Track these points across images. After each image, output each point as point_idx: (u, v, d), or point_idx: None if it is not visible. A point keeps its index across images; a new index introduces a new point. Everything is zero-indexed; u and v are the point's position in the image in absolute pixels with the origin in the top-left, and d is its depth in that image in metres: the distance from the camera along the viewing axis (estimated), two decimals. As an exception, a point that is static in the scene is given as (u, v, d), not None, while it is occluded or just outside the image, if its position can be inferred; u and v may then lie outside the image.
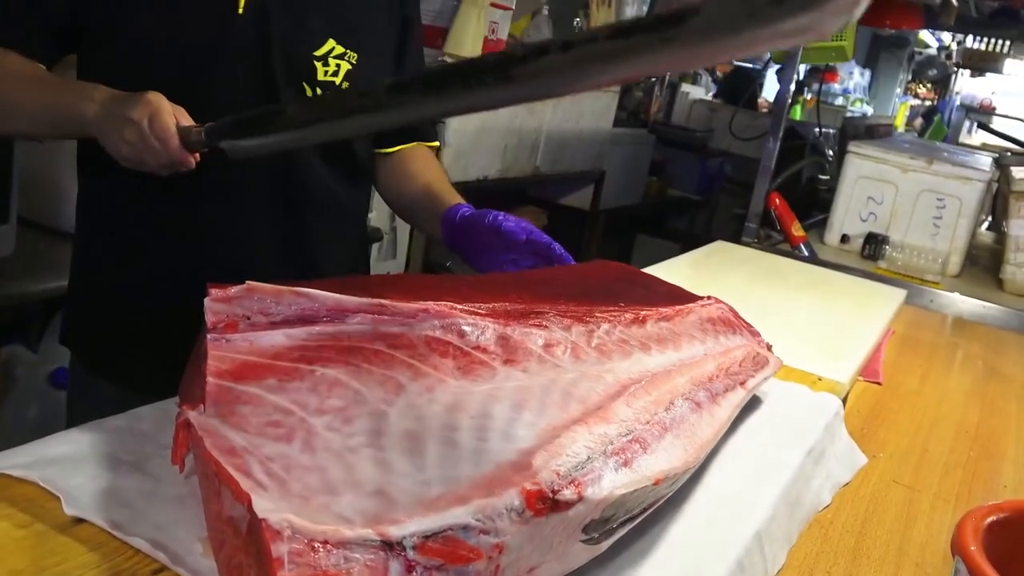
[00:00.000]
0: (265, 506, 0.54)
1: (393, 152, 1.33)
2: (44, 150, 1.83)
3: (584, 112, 3.55)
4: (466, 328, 0.82)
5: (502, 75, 0.72)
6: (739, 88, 5.03)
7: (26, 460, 0.72)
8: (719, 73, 5.80)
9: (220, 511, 0.59)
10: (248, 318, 0.77)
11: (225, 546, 0.59)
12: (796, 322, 1.57)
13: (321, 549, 0.53)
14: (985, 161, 3.00)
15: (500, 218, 1.14)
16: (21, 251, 1.80)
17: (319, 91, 1.16)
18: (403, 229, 2.76)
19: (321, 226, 1.23)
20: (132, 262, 1.18)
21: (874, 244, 2.70)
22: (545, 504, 0.61)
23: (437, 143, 1.39)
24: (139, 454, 0.77)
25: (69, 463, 0.73)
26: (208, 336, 0.74)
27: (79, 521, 0.67)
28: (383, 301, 0.81)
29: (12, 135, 1.17)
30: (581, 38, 0.67)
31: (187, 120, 1.00)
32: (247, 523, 0.56)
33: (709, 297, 1.13)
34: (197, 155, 1.02)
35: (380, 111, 0.87)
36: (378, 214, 2.63)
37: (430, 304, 0.82)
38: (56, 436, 0.77)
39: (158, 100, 0.99)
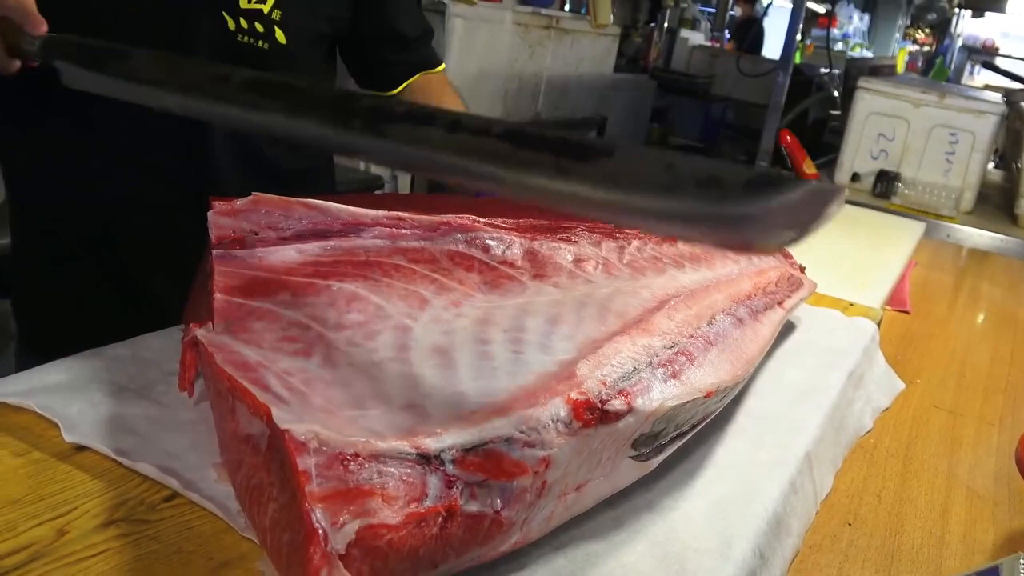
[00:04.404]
0: (286, 418, 0.49)
1: (398, 92, 1.23)
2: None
3: (584, 56, 3.47)
4: (490, 242, 0.76)
5: (371, 127, 0.59)
6: (745, 33, 4.95)
7: (22, 388, 0.67)
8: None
9: (235, 430, 0.54)
10: (256, 233, 0.71)
11: (243, 467, 0.53)
12: (819, 253, 1.51)
13: (351, 463, 0.47)
14: (995, 96, 2.93)
15: None
16: None
17: (243, 22, 0.98)
18: (404, 178, 2.69)
19: None
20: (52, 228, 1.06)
21: (886, 182, 2.64)
22: (593, 414, 0.55)
23: (443, 65, 1.28)
24: (143, 381, 0.71)
25: (68, 390, 0.67)
26: (213, 252, 0.69)
27: (80, 449, 0.61)
28: (401, 214, 0.75)
29: None
30: (472, 124, 0.54)
31: (39, 23, 0.84)
32: (267, 439, 0.50)
33: (737, 218, 1.07)
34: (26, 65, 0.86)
35: (230, 105, 0.68)
36: (378, 161, 2.56)
37: (451, 217, 0.77)
38: (53, 364, 0.71)
39: None
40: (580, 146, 0.49)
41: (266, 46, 1.00)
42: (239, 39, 0.98)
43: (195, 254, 0.98)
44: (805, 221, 0.42)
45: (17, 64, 0.85)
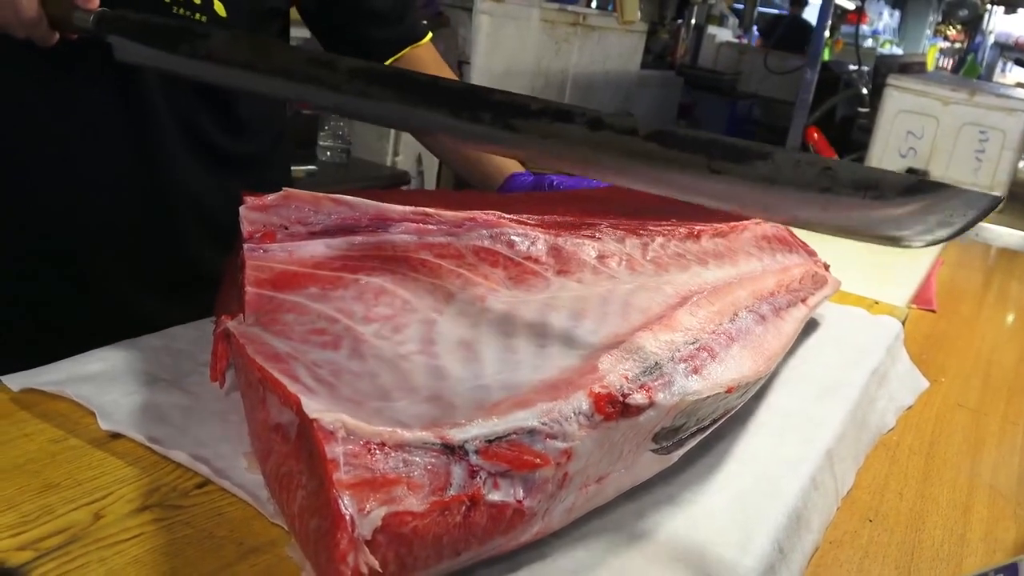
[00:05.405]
0: (316, 407, 0.50)
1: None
2: None
3: (610, 53, 3.47)
4: (515, 238, 0.77)
5: (501, 120, 0.62)
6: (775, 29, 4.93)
7: (58, 377, 0.68)
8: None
9: (266, 419, 0.55)
10: (286, 228, 0.73)
11: (272, 456, 0.55)
12: (845, 251, 1.51)
13: (378, 451, 0.49)
14: (1027, 94, 2.90)
15: (556, 182, 1.08)
16: None
17: None
18: (430, 173, 2.71)
19: (192, 225, 1.02)
20: None
21: (914, 180, 2.62)
22: (615, 408, 0.56)
23: (429, 34, 1.17)
24: (176, 371, 0.73)
25: (103, 380, 0.69)
26: (245, 246, 0.70)
27: (115, 436, 0.63)
28: (427, 210, 0.76)
29: None
30: (616, 123, 0.58)
31: None
32: (296, 427, 0.52)
33: (762, 216, 1.08)
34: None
35: (327, 89, 0.70)
36: (404, 157, 2.58)
37: (477, 213, 0.78)
38: (88, 354, 0.73)
39: None
40: (734, 148, 0.54)
41: (204, 19, 0.93)
42: (174, 11, 0.91)
43: (145, 242, 0.96)
44: (955, 223, 0.48)
45: (56, 37, 0.83)
